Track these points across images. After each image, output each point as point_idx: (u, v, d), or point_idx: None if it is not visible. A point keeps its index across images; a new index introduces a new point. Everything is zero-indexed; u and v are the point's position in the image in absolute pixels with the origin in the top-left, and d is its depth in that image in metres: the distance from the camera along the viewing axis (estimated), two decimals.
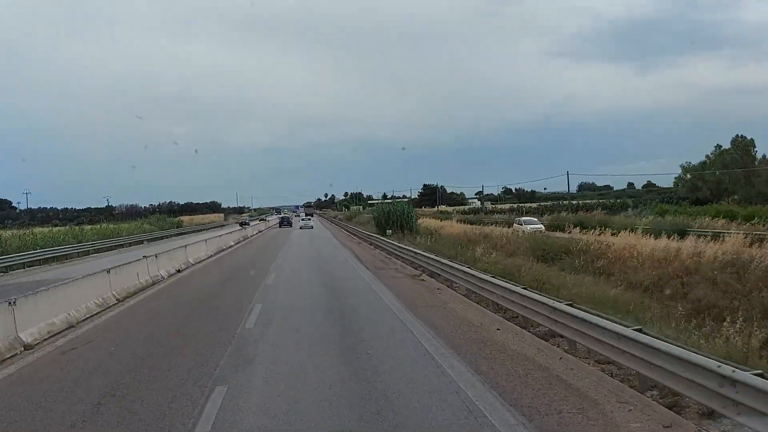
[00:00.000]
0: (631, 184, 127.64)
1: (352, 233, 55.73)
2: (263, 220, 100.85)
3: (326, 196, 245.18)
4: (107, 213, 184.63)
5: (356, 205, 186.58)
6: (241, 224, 76.26)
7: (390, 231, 44.73)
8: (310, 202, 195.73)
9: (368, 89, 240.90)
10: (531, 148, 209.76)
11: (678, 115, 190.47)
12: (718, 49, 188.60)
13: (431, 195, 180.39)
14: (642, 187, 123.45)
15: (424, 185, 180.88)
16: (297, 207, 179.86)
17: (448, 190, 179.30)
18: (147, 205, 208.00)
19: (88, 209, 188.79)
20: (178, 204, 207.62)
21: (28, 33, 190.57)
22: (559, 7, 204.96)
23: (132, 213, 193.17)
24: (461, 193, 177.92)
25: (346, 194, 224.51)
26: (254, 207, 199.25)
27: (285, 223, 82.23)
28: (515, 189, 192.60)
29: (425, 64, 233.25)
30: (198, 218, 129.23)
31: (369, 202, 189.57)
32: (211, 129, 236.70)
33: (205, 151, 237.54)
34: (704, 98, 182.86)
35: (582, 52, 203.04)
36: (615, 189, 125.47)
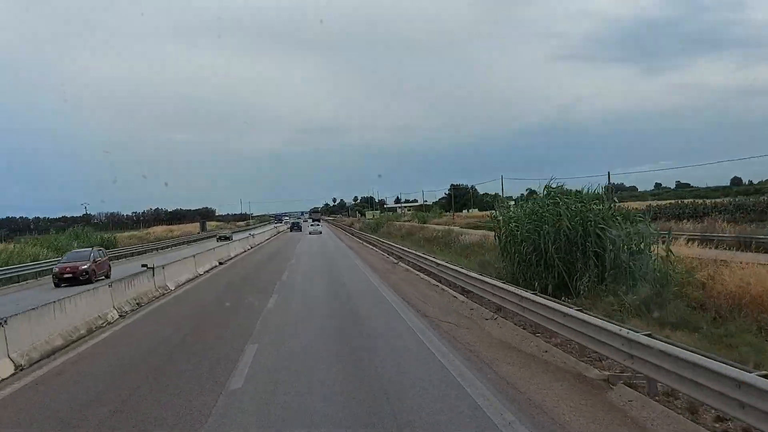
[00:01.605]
0: (658, 184, 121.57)
1: (422, 269, 23.09)
2: (226, 238, 51.76)
3: (335, 201, 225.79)
4: (84, 222, 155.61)
5: (371, 210, 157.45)
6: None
7: (585, 280, 14.12)
8: (317, 208, 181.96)
9: (374, 96, 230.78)
10: (541, 150, 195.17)
11: (684, 117, 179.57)
12: (726, 50, 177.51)
13: (460, 198, 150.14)
14: (678, 187, 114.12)
15: (452, 186, 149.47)
16: (302, 213, 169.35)
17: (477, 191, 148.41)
18: (130, 213, 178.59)
19: (63, 218, 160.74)
20: (165, 211, 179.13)
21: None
22: (567, 11, 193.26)
23: (112, 222, 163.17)
24: (497, 194, 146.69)
25: (355, 198, 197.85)
26: (256, 214, 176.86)
27: (296, 227, 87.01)
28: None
29: (432, 69, 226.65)
30: (176, 228, 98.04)
31: (385, 207, 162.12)
32: (214, 136, 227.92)
33: (207, 157, 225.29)
34: (712, 100, 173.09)
35: (588, 55, 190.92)
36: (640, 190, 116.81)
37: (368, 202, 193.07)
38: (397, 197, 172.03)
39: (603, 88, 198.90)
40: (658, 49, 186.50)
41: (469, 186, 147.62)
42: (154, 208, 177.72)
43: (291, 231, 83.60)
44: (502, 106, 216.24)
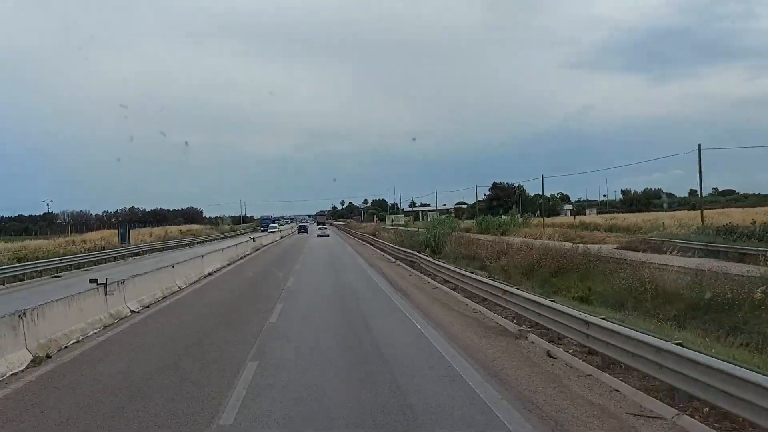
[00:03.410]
0: (693, 191, 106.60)
1: None
2: None
3: (343, 203, 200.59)
4: (46, 222, 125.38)
5: (388, 213, 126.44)
6: None
7: None
8: (324, 211, 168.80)
9: (384, 101, 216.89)
10: (553, 155, 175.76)
11: (695, 126, 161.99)
12: (735, 60, 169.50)
13: (504, 199, 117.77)
14: (720, 194, 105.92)
15: (494, 184, 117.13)
16: (308, 216, 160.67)
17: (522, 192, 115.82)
18: (99, 213, 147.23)
19: (19, 217, 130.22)
20: (143, 211, 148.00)
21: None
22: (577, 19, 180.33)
23: (79, 223, 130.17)
24: (554, 196, 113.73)
25: (365, 201, 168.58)
26: (258, 216, 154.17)
27: (302, 230, 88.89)
28: (623, 191, 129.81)
29: (443, 76, 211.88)
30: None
31: (405, 211, 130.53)
32: (222, 138, 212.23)
33: (212, 159, 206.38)
34: (722, 109, 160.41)
35: (598, 63, 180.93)
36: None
37: (380, 206, 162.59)
38: (412, 200, 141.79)
39: (612, 96, 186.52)
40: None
41: (516, 185, 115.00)
42: (128, 208, 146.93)
43: (298, 233, 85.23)
44: (514, 111, 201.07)
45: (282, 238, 64.79)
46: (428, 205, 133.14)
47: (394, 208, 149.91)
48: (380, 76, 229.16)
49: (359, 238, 60.29)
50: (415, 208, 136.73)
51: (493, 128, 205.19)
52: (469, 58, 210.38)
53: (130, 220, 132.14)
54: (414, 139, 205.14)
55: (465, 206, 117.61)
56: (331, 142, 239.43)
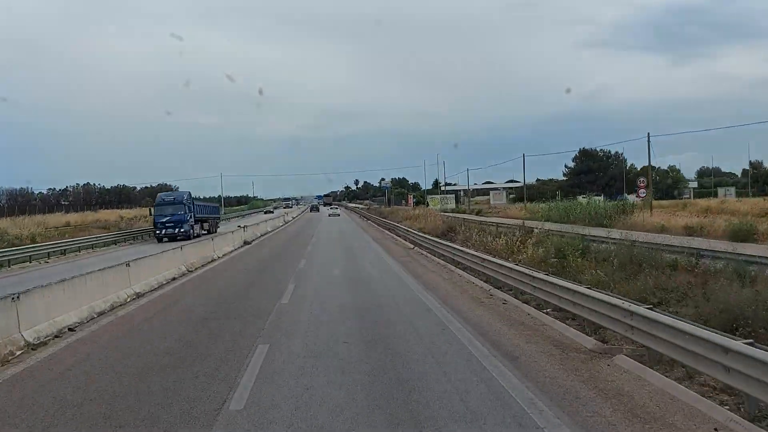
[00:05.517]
0: (746, 171, 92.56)
1: None
2: None
3: (357, 183, 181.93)
4: None
5: (436, 194, 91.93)
6: None
7: None
8: (334, 192, 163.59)
9: (397, 81, 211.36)
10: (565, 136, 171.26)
11: (712, 108, 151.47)
12: (756, 40, 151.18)
13: (595, 172, 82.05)
14: None
15: (582, 151, 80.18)
16: (317, 197, 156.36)
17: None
18: (46, 190, 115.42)
19: None
20: (102, 188, 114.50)
21: None
22: None
23: (21, 203, 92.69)
24: (673, 168, 76.38)
25: (382, 179, 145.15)
26: (268, 198, 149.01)
27: (314, 209, 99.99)
28: (752, 164, 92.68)
29: (456, 56, 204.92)
30: None
31: (442, 190, 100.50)
32: (234, 119, 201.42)
33: (216, 141, 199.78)
34: (741, 90, 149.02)
35: (618, 43, 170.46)
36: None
37: (401, 185, 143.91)
38: (436, 180, 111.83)
39: (630, 76, 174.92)
40: None
41: (612, 152, 77.66)
42: (83, 184, 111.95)
43: (310, 212, 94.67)
44: (526, 92, 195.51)
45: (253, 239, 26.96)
46: (454, 185, 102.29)
47: (416, 188, 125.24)
48: (393, 59, 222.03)
49: (434, 252, 24.08)
50: (458, 187, 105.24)
51: (507, 109, 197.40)
52: (483, 37, 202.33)
53: (83, 200, 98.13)
54: (456, 146, 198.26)
55: (534, 183, 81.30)
56: (344, 121, 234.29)
